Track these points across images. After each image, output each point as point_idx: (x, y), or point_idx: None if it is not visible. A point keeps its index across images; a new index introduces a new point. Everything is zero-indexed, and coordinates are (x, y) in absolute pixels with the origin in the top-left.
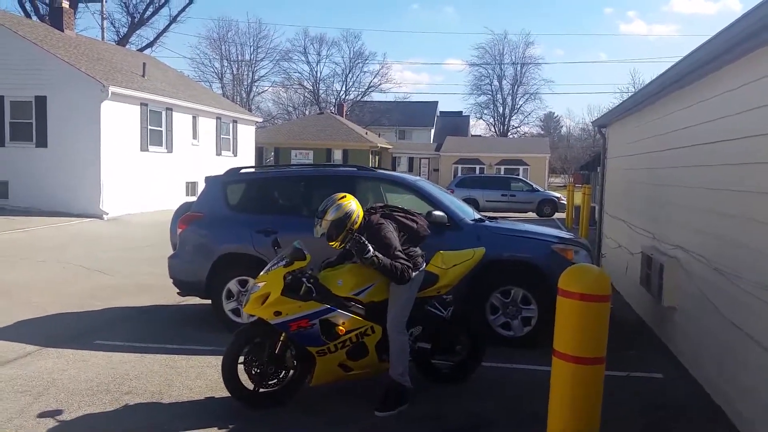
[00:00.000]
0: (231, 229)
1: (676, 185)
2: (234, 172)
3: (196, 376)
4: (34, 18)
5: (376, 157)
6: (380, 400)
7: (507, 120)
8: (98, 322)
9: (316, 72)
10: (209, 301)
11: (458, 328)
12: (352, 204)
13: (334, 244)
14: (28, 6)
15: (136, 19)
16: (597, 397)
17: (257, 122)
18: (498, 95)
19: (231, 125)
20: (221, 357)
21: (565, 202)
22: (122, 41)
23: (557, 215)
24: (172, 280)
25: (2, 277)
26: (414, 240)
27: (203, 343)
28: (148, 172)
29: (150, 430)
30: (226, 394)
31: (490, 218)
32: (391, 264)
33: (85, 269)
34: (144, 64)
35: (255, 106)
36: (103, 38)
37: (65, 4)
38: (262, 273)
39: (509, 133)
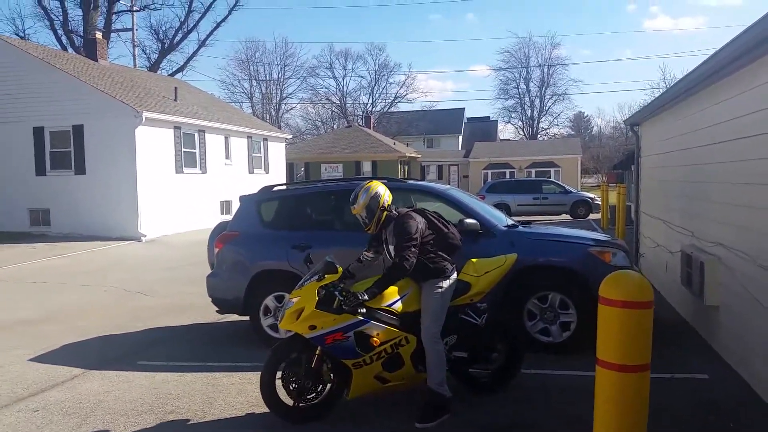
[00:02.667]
0: (266, 246)
1: (716, 181)
2: (267, 190)
3: (237, 392)
4: (70, 50)
5: (405, 167)
6: (420, 411)
7: (536, 122)
8: (140, 342)
9: (343, 86)
10: (248, 318)
11: (494, 335)
12: (379, 187)
13: (369, 228)
14: (64, 40)
15: (166, 45)
16: (643, 404)
17: (287, 139)
18: (525, 98)
19: (262, 143)
20: (258, 373)
21: (600, 203)
22: (153, 67)
23: (592, 216)
24: (210, 299)
25: (48, 302)
26: (443, 245)
27: (243, 359)
28: (183, 193)
29: None
30: (266, 409)
31: (523, 223)
32: (389, 271)
33: (126, 291)
34: (175, 88)
35: (284, 123)
36: (134, 65)
37: (98, 35)
38: (295, 289)
39: (539, 136)
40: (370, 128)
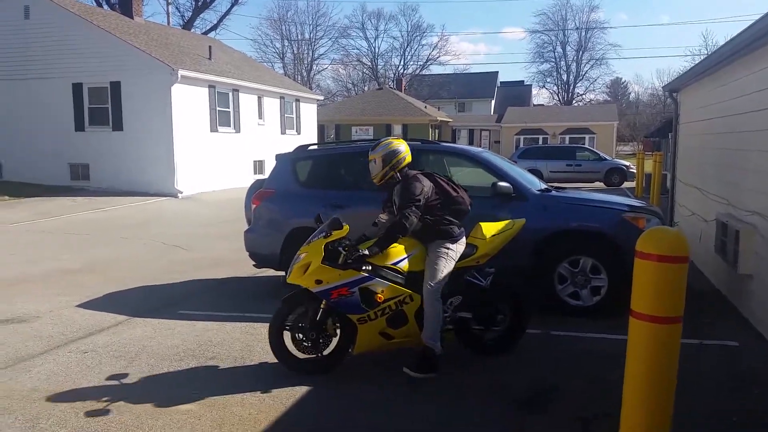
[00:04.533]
0: (301, 204)
1: (755, 149)
2: (302, 150)
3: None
4: (105, 7)
5: (436, 131)
6: (414, 361)
7: (571, 87)
8: (180, 293)
9: (374, 47)
10: (283, 273)
11: (499, 298)
12: (401, 146)
13: (376, 179)
14: None
15: (200, 3)
16: (673, 356)
17: (318, 100)
18: (561, 62)
19: (294, 104)
20: None
21: (635, 171)
22: (187, 25)
23: (626, 184)
24: (248, 253)
25: (90, 254)
26: (451, 209)
27: None
28: (218, 151)
29: (235, 389)
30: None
31: (557, 188)
32: (389, 229)
33: (164, 245)
34: (210, 47)
35: (315, 85)
36: (168, 23)
37: None
38: (304, 245)
39: (574, 101)
40: (401, 91)
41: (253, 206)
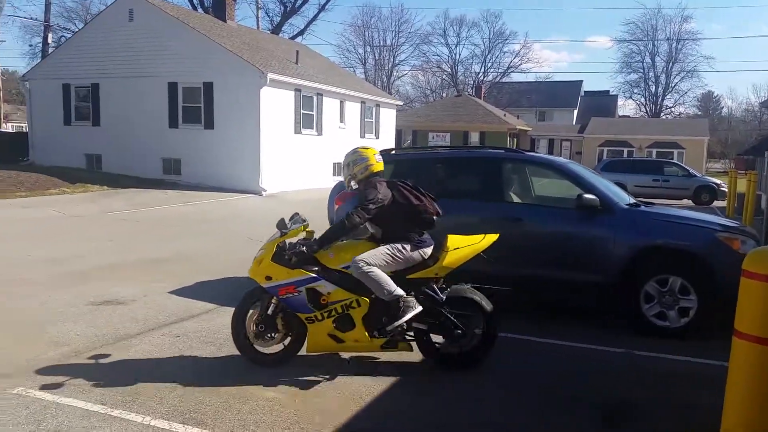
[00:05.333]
0: None
1: None
2: (384, 154)
3: None
4: (199, 10)
5: (514, 139)
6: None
7: (660, 100)
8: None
9: (455, 54)
10: None
11: (459, 311)
12: (365, 155)
13: (345, 183)
14: (195, 0)
15: (288, 8)
16: None
17: (398, 106)
18: (650, 73)
19: (374, 109)
20: None
21: (726, 189)
22: (275, 30)
23: (716, 203)
24: None
25: (180, 244)
26: (412, 217)
27: None
28: (301, 153)
29: (316, 380)
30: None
31: (645, 203)
32: (331, 227)
33: (249, 240)
34: (297, 51)
35: (395, 90)
36: (257, 27)
37: None
38: (265, 242)
39: (662, 114)
40: (480, 98)
41: (336, 206)
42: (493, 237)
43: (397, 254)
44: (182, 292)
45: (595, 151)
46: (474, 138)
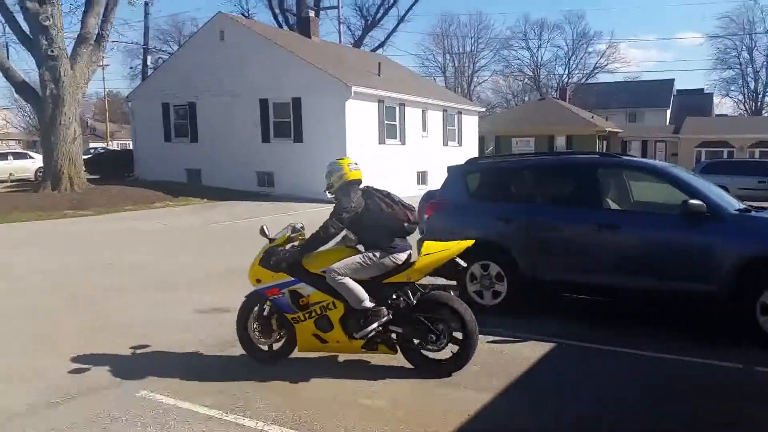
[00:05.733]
0: (471, 216)
1: None
2: (474, 162)
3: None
4: (284, 28)
5: (603, 142)
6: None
7: (761, 96)
8: None
9: (537, 57)
10: (452, 281)
11: (432, 316)
12: (340, 165)
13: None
14: (280, 18)
15: (369, 22)
16: None
17: (480, 112)
18: (748, 69)
19: (456, 116)
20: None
21: None
22: (357, 43)
23: None
24: None
25: None
26: (386, 225)
27: None
28: (385, 162)
29: (424, 389)
30: (483, 368)
31: (756, 208)
32: (309, 237)
33: None
34: (379, 63)
35: (475, 96)
36: (339, 41)
37: (311, 14)
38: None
39: (764, 111)
40: (565, 101)
41: (426, 216)
42: (465, 243)
43: (367, 261)
44: None
45: (692, 153)
46: (560, 142)
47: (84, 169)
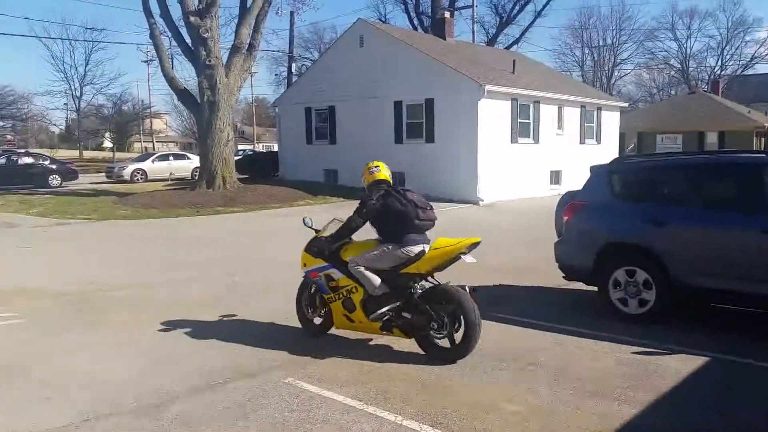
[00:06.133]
0: (617, 218)
1: None
2: (620, 161)
3: (593, 358)
4: (419, 30)
5: (762, 139)
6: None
7: None
8: (492, 297)
9: (686, 48)
10: (593, 288)
11: (434, 306)
12: (369, 167)
13: None
14: (415, 21)
15: (504, 19)
16: None
17: (622, 107)
18: None
19: (595, 112)
20: (613, 344)
21: None
22: (491, 41)
23: None
24: (558, 264)
25: None
26: (400, 221)
27: (594, 328)
28: (517, 162)
29: (557, 399)
30: (627, 380)
31: None
32: (337, 230)
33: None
34: (514, 61)
35: (615, 91)
36: (473, 40)
37: (447, 15)
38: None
39: None
40: (717, 94)
41: (565, 218)
42: (469, 240)
43: (381, 253)
44: None
45: None
46: (711, 139)
47: (235, 169)
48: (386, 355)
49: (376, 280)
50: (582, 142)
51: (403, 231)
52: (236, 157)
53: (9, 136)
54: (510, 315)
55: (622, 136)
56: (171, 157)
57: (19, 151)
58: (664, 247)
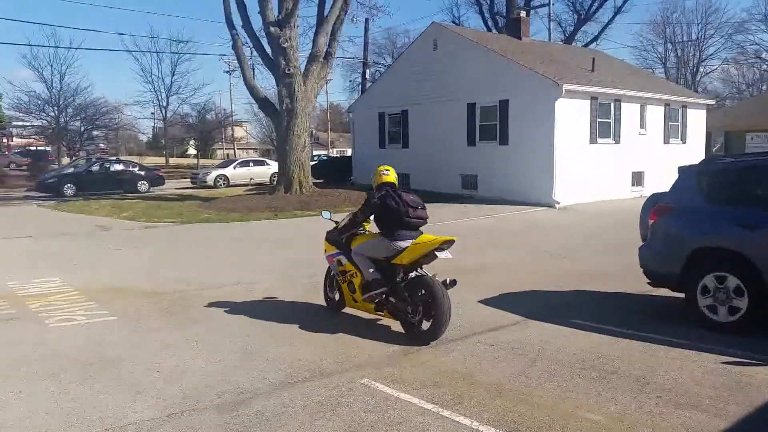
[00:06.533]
0: (707, 222)
1: None
2: (710, 162)
3: (679, 367)
4: (493, 31)
5: None
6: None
7: None
8: (570, 302)
9: None
10: (679, 294)
11: (412, 295)
12: (377, 171)
13: None
14: (489, 22)
15: (582, 16)
16: None
17: (708, 105)
18: None
19: (680, 110)
20: (702, 353)
21: None
22: (568, 40)
23: None
24: (642, 270)
25: (482, 255)
26: (393, 219)
27: (678, 336)
28: (596, 163)
29: (640, 408)
30: (717, 391)
31: None
32: (345, 222)
33: (547, 254)
34: (593, 59)
35: (701, 88)
36: (549, 39)
37: (522, 14)
38: None
39: None
40: None
41: (651, 221)
42: (442, 238)
43: (376, 245)
44: (489, 302)
45: None
46: None
47: (310, 174)
48: (462, 359)
49: (371, 266)
50: (666, 141)
51: (395, 227)
52: (312, 163)
53: (102, 145)
54: (589, 321)
55: (708, 136)
56: (251, 164)
57: (110, 158)
58: (757, 252)
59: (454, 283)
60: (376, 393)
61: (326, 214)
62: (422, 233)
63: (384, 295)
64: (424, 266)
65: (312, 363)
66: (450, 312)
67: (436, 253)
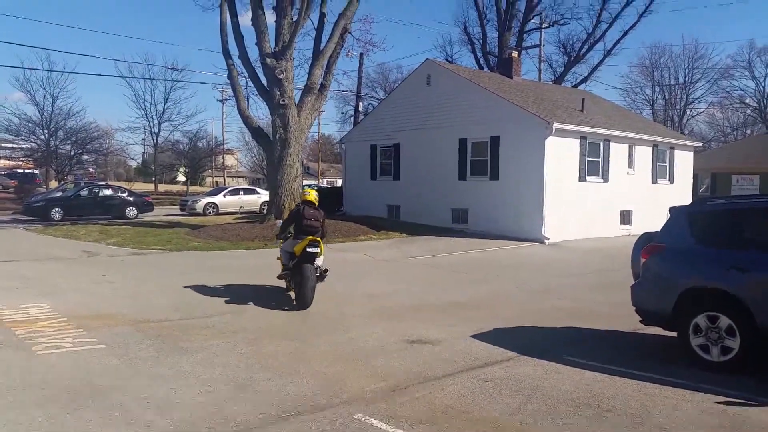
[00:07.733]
0: (698, 262)
1: None
2: (701, 203)
3: (673, 407)
4: (485, 69)
5: None
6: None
7: None
8: (562, 339)
9: (763, 86)
10: (671, 333)
11: (294, 274)
12: (303, 191)
13: None
14: (481, 60)
15: (572, 58)
16: None
17: (696, 147)
18: None
19: (668, 152)
20: (696, 393)
21: None
22: (558, 80)
23: None
24: (634, 308)
25: (472, 289)
26: (298, 226)
27: (672, 375)
28: (584, 201)
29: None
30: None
31: None
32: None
33: (536, 290)
34: (583, 99)
35: (688, 130)
36: (539, 79)
37: (514, 54)
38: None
39: None
40: None
41: (642, 260)
42: (312, 237)
43: (287, 242)
44: (482, 337)
45: None
46: None
47: None
48: (457, 395)
49: (285, 256)
50: (654, 181)
51: (298, 231)
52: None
53: (91, 169)
54: (583, 359)
55: (695, 177)
56: (241, 192)
57: (99, 183)
58: (749, 293)
59: (326, 271)
60: (370, 428)
61: (279, 222)
62: (314, 237)
63: (288, 275)
64: (317, 259)
65: (304, 396)
66: (313, 291)
67: (307, 249)
